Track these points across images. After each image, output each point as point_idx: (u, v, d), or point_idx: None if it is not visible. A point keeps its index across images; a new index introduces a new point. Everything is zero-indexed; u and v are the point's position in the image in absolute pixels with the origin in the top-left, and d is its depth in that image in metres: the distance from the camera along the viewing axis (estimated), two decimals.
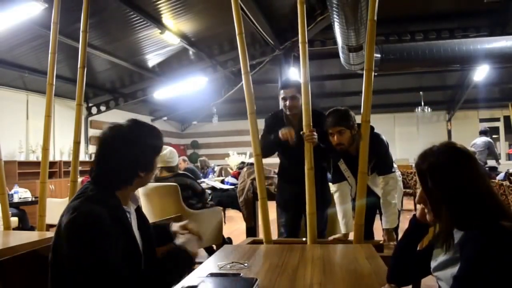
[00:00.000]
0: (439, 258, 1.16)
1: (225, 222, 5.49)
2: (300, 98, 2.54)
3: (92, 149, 9.23)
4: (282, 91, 2.83)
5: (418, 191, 1.23)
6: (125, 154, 1.23)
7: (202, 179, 6.06)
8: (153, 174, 1.35)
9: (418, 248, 1.37)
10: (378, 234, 2.83)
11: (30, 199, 5.37)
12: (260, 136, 2.55)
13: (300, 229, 2.94)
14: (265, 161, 2.59)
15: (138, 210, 1.39)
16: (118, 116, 9.21)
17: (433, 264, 1.18)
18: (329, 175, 2.88)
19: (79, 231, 1.11)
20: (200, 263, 1.59)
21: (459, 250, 1.07)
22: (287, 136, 2.56)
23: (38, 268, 1.20)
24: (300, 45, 2.34)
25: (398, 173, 2.80)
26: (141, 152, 1.25)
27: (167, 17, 6.03)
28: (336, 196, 2.58)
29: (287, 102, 2.76)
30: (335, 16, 4.88)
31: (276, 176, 3.30)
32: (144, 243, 1.32)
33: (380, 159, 2.53)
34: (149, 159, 1.28)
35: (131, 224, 1.28)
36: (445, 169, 1.11)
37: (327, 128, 2.49)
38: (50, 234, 1.41)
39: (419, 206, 1.30)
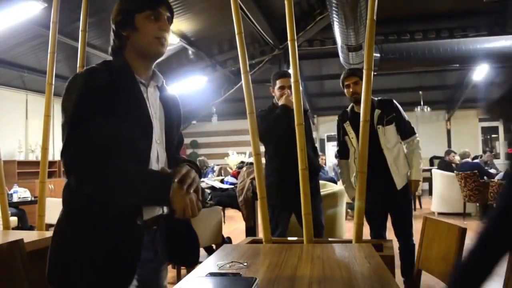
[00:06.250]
0: None
1: (224, 222, 5.50)
2: None
3: None
4: (278, 81, 2.80)
5: None
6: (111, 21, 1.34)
7: (202, 179, 6.07)
8: (143, 35, 1.29)
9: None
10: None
11: (29, 199, 5.37)
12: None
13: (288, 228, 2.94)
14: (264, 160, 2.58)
15: (164, 89, 1.39)
16: None
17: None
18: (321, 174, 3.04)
19: (71, 80, 1.27)
20: (200, 262, 1.59)
21: None
22: (288, 100, 2.70)
23: (38, 268, 1.20)
24: (289, 43, 2.31)
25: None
26: (119, 10, 1.32)
27: None
28: (340, 171, 3.10)
29: (286, 91, 2.75)
30: (334, 15, 4.88)
31: None
32: (166, 120, 1.34)
33: (400, 120, 2.83)
34: (127, 16, 1.30)
35: (140, 90, 1.29)
36: None
37: (343, 80, 2.88)
38: (50, 233, 1.41)
39: None
